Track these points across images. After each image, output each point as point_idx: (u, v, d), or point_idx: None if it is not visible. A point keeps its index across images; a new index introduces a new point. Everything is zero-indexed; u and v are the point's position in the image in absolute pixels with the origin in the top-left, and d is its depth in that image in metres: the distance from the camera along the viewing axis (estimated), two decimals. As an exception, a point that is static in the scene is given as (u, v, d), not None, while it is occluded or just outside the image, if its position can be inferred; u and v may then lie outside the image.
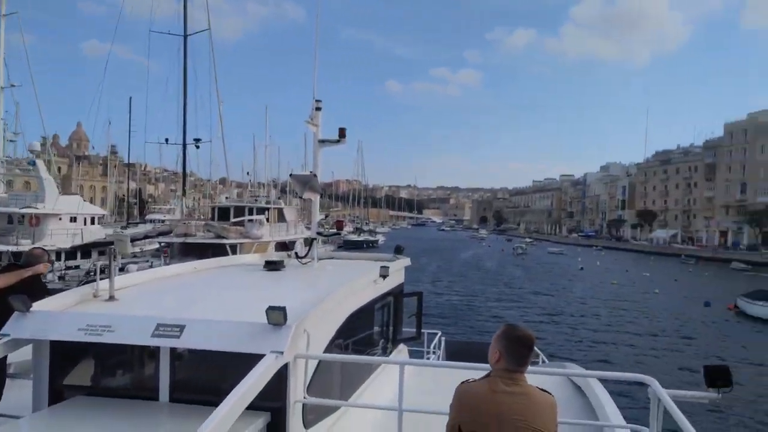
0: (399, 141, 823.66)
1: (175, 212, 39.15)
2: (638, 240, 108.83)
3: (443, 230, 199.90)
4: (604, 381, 5.30)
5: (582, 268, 60.20)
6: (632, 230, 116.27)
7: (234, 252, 25.10)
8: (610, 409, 4.55)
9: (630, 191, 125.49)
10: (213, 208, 37.34)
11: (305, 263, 6.47)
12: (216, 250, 25.35)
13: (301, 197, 7.16)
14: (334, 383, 4.35)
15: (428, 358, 8.87)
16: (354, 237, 78.81)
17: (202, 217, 38.65)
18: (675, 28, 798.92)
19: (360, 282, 5.13)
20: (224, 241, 28.80)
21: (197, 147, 40.23)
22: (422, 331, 8.12)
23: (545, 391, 2.64)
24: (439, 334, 9.86)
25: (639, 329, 27.61)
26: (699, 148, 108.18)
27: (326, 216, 68.72)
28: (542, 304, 35.62)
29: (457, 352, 9.44)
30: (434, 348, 9.29)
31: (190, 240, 29.26)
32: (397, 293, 6.68)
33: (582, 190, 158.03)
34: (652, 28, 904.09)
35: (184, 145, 39.15)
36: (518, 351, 2.60)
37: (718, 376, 3.52)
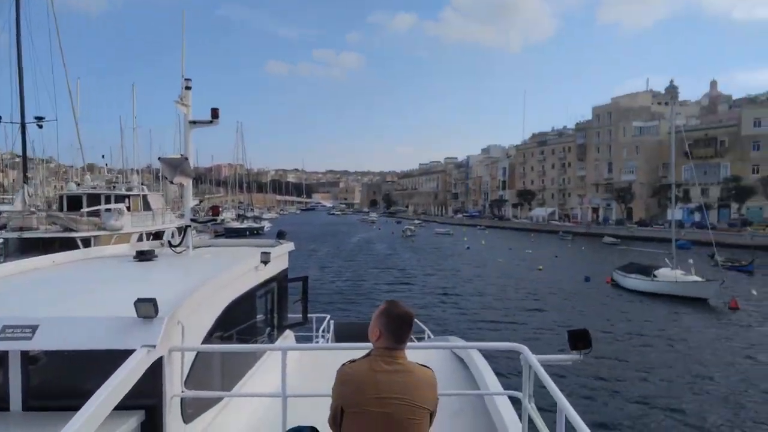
0: (285, 124, 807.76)
1: (16, 203, 33.34)
2: (519, 218, 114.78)
3: (333, 214, 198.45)
4: (487, 355, 5.53)
5: (468, 248, 61.49)
6: (513, 209, 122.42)
7: (87, 247, 21.33)
8: (489, 379, 4.84)
9: (510, 172, 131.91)
10: (61, 197, 32.21)
11: (180, 252, 6.25)
12: (64, 246, 21.35)
13: (171, 182, 6.18)
14: (215, 375, 4.28)
15: (317, 342, 8.84)
16: (236, 224, 74.57)
17: (41, 207, 33.10)
18: (545, 19, 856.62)
19: (239, 269, 5.02)
20: (74, 234, 24.59)
21: (40, 126, 34.49)
22: (309, 315, 8.15)
23: (425, 366, 2.68)
24: (328, 317, 9.90)
25: (525, 305, 27.75)
26: (572, 130, 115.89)
27: (200, 202, 63.93)
28: (432, 284, 35.27)
29: (346, 334, 9.42)
30: (323, 332, 9.32)
31: (27, 234, 24.70)
32: (281, 279, 6.63)
33: (465, 172, 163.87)
34: (526, 17, 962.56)
35: (23, 125, 33.27)
36: (398, 328, 2.61)
37: (579, 339, 3.72)
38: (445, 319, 24.10)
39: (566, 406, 2.72)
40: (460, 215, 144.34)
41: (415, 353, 2.64)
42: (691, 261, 31.18)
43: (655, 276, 31.03)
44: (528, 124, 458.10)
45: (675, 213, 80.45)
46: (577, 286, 34.30)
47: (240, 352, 4.85)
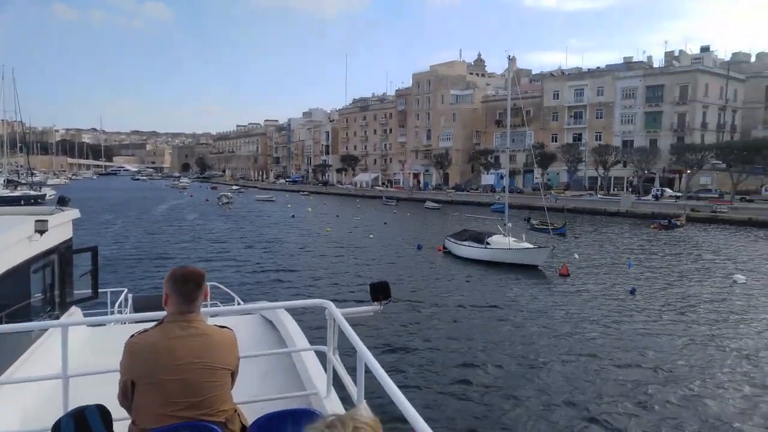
0: (78, 78, 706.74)
1: None
2: (343, 184, 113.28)
3: (139, 179, 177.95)
4: (300, 316, 5.96)
5: (293, 216, 57.22)
6: (337, 174, 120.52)
7: None
8: (297, 337, 4.99)
9: (333, 136, 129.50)
10: None
11: None
12: None
13: None
14: None
15: None
16: (6, 192, 60.31)
17: None
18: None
19: (6, 240, 4.54)
20: None
21: None
22: (103, 290, 7.76)
23: (224, 327, 2.70)
24: (125, 291, 9.33)
25: (358, 278, 24.50)
26: (393, 97, 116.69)
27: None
28: (254, 256, 30.60)
29: (146, 308, 7.84)
30: (119, 307, 8.71)
31: None
32: (63, 250, 6.00)
33: (287, 135, 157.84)
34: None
35: None
36: (185, 289, 2.58)
37: (380, 291, 3.96)
38: (270, 295, 20.54)
39: (365, 353, 2.75)
40: (282, 180, 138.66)
41: (222, 320, 2.80)
42: (509, 225, 31.05)
43: (488, 243, 30.05)
44: (350, 89, 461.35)
45: (487, 178, 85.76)
46: (410, 255, 32.30)
47: (10, 332, 4.11)
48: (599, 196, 64.02)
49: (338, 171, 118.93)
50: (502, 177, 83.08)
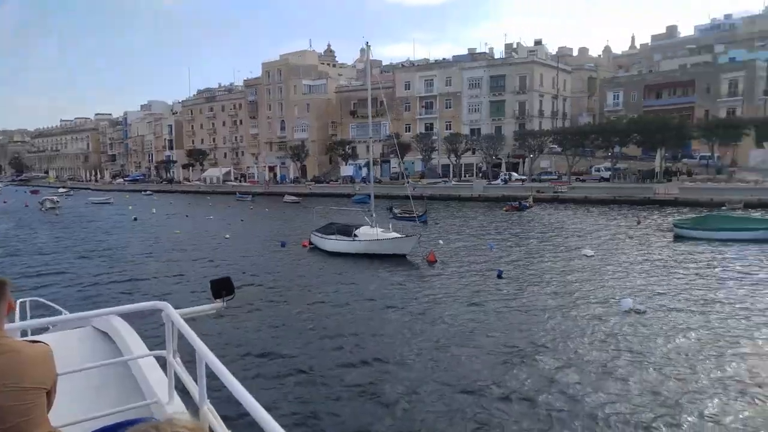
0: None
1: None
2: (191, 181, 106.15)
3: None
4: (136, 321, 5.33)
5: (136, 219, 51.76)
6: (184, 171, 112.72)
7: None
8: (134, 345, 4.69)
9: (177, 130, 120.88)
10: None
11: None
12: None
13: None
14: None
15: None
16: None
17: None
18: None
19: None
20: None
21: None
22: None
23: (37, 341, 2.55)
24: None
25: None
26: (242, 87, 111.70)
27: None
28: (90, 269, 26.57)
29: None
30: None
31: None
32: None
33: (124, 130, 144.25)
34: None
35: None
36: None
37: (222, 287, 3.86)
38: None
39: (205, 354, 2.71)
40: (120, 180, 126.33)
41: (46, 337, 2.45)
42: (374, 215, 30.80)
43: (356, 236, 29.30)
44: (194, 81, 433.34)
45: (346, 169, 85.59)
46: (273, 253, 30.50)
47: None
48: (453, 182, 66.94)
49: (184, 167, 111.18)
50: (360, 168, 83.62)
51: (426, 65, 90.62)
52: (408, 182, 69.07)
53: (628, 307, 17.12)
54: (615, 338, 14.63)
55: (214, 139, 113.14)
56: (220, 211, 57.35)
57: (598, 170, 62.07)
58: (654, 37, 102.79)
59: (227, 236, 36.63)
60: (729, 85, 67.46)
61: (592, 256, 26.05)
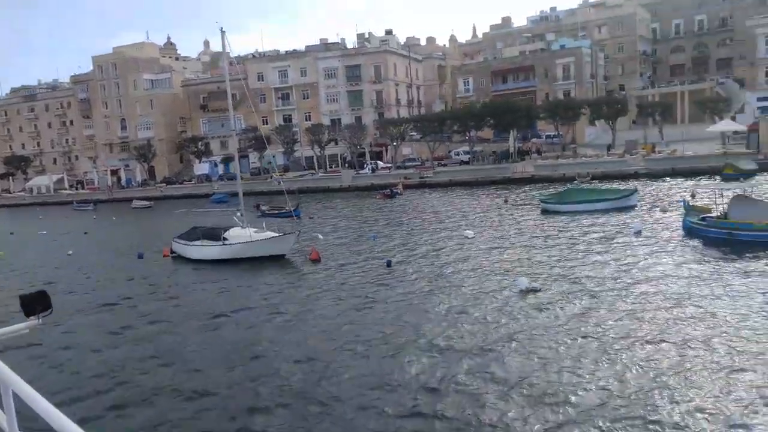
0: None
1: None
2: (13, 192, 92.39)
3: None
4: None
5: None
6: (1, 181, 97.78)
7: None
8: None
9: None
10: None
11: None
12: None
13: None
14: None
15: None
16: None
17: None
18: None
19: None
20: None
21: None
22: None
23: None
24: None
25: (63, 313, 18.83)
26: (69, 83, 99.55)
27: None
28: None
29: None
30: None
31: None
32: None
33: None
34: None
35: None
36: None
37: (36, 303, 3.53)
38: None
39: (12, 379, 2.61)
40: None
41: None
42: (240, 213, 28.69)
43: (225, 239, 26.67)
44: (6, 78, 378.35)
45: (200, 167, 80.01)
46: (129, 267, 26.84)
47: None
48: (320, 174, 65.49)
49: (3, 176, 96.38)
50: (216, 165, 78.75)
51: (278, 56, 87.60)
52: (273, 177, 66.61)
53: (524, 287, 17.12)
54: (512, 317, 14.79)
55: (38, 143, 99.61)
56: (55, 224, 50.14)
57: (458, 154, 64.52)
58: (492, 27, 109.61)
59: (70, 252, 31.69)
60: (562, 69, 73.90)
61: (473, 236, 26.28)
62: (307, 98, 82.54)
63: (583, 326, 13.64)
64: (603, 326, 13.57)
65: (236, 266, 24.97)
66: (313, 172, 68.51)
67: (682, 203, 23.52)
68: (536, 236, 25.48)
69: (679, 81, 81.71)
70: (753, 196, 22.28)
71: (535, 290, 16.88)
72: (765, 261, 17.97)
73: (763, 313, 13.47)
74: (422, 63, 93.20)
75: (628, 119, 64.47)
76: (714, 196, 24.09)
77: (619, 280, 17.35)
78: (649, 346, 12.12)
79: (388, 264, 22.06)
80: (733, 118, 52.97)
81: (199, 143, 78.22)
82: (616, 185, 38.27)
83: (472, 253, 23.19)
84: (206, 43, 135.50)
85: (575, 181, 42.94)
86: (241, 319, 17.00)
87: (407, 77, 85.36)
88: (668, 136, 55.91)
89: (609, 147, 54.41)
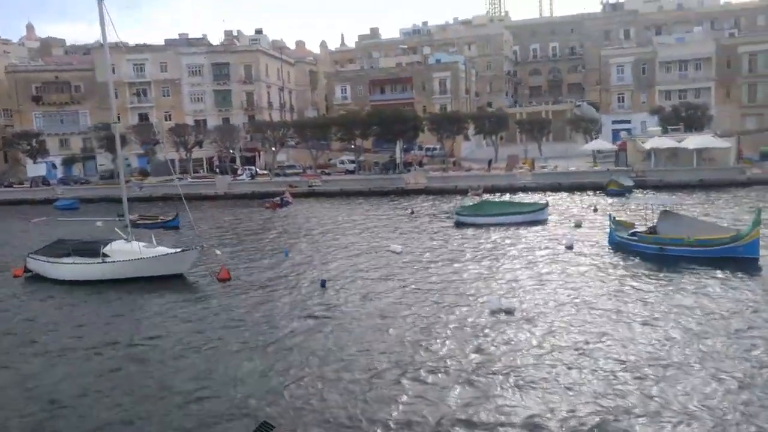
0: None
1: None
2: None
3: None
4: None
5: None
6: None
7: None
8: None
9: None
10: None
11: None
12: None
13: None
14: None
15: None
16: None
17: None
18: None
19: None
20: None
21: None
22: None
23: None
24: None
25: None
26: None
27: None
28: None
29: None
30: None
31: None
32: None
33: None
34: None
35: None
36: None
37: None
38: None
39: None
40: None
41: None
42: (100, 224, 26.19)
43: (105, 255, 21.97)
44: None
45: (34, 168, 68.85)
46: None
47: None
48: (189, 179, 59.44)
49: None
50: (55, 166, 68.53)
51: (134, 47, 78.95)
52: (130, 181, 59.20)
53: (496, 307, 15.77)
54: (494, 341, 13.66)
55: None
56: None
57: (343, 163, 62.68)
58: (361, 36, 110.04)
59: None
60: (439, 83, 75.87)
61: (401, 252, 24.58)
62: (168, 95, 75.44)
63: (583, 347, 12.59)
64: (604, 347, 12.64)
65: (118, 289, 20.69)
66: (181, 177, 62.32)
67: (608, 218, 24.03)
68: (463, 251, 24.48)
69: (536, 101, 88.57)
70: (676, 211, 23.37)
71: (509, 311, 15.61)
72: (697, 275, 18.54)
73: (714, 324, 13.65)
74: (294, 66, 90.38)
75: (506, 135, 67.93)
76: (640, 211, 24.98)
77: (562, 298, 16.96)
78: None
79: (323, 284, 19.50)
80: (594, 138, 57.95)
81: (34, 140, 67.29)
82: (518, 198, 39.09)
83: (408, 269, 21.49)
84: (30, 27, 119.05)
85: (468, 194, 43.37)
86: (144, 353, 13.66)
87: (279, 80, 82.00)
88: (544, 153, 59.55)
89: (490, 161, 56.35)
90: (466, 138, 69.89)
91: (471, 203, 34.97)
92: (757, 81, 61.80)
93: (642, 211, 29.45)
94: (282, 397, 11.31)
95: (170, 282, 21.35)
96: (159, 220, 36.21)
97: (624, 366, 11.91)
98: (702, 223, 22.20)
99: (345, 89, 79.78)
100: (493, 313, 15.56)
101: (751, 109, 61.80)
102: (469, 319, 15.27)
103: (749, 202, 32.92)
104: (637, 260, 20.91)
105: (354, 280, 20.27)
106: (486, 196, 40.88)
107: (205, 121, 73.58)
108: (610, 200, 37.49)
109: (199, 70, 75.46)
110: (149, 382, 12.42)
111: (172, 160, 69.54)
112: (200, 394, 11.62)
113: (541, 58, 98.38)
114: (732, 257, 19.56)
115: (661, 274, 18.95)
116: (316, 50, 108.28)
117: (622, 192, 38.47)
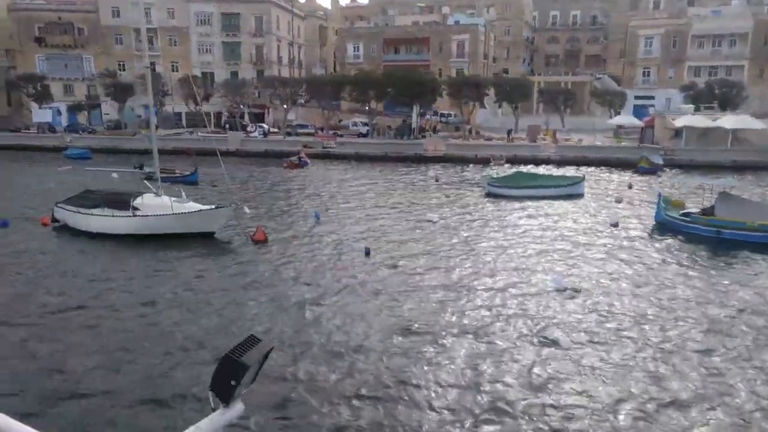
0: None
1: None
2: None
3: None
4: None
5: None
6: None
7: None
8: None
9: None
10: None
11: None
12: None
13: None
14: None
15: None
16: None
17: None
18: None
19: None
20: None
21: None
22: None
23: None
24: None
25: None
26: None
27: None
28: None
29: None
30: None
31: None
32: None
33: None
34: None
35: None
36: None
37: None
38: None
39: None
40: None
41: None
42: (115, 176, 24.13)
43: (135, 208, 21.26)
44: None
45: (40, 114, 67.27)
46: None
47: None
48: (200, 134, 58.07)
49: None
50: (60, 113, 66.91)
51: (140, -11, 76.32)
52: (139, 133, 57.95)
53: (560, 286, 15.29)
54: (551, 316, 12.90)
55: None
56: None
57: (356, 125, 61.40)
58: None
59: None
60: (457, 46, 73.99)
61: (437, 221, 23.99)
62: (176, 45, 73.34)
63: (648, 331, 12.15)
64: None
65: (146, 245, 20.07)
66: (191, 131, 60.98)
67: (657, 195, 23.39)
68: (503, 224, 23.91)
69: (553, 72, 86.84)
70: (736, 193, 22.69)
71: (575, 290, 15.14)
72: (761, 262, 18.07)
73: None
74: (305, 20, 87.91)
75: (522, 105, 66.54)
76: (701, 192, 24.27)
77: (622, 279, 16.45)
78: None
79: (367, 252, 18.92)
80: (618, 113, 56.93)
81: (39, 84, 65.41)
82: (543, 171, 38.34)
83: (449, 242, 20.87)
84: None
85: (490, 163, 42.62)
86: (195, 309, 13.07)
87: (289, 34, 79.78)
88: (567, 125, 58.42)
89: (510, 131, 55.27)
90: (482, 105, 68.57)
91: (502, 174, 34.21)
92: (792, 61, 60.51)
93: (680, 189, 28.86)
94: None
95: (202, 241, 20.74)
96: (177, 174, 35.30)
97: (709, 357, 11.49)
98: (766, 207, 21.60)
99: (357, 47, 77.72)
100: (558, 291, 15.08)
101: (784, 90, 60.76)
102: (535, 298, 14.77)
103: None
104: (692, 242, 20.36)
105: (397, 249, 19.70)
106: (507, 167, 40.21)
107: (212, 74, 71.85)
108: (639, 178, 36.85)
109: (208, 19, 73.20)
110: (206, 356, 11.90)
111: (178, 114, 68.29)
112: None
113: (560, 26, 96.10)
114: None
115: (722, 259, 18.48)
116: (327, 4, 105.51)
117: (653, 170, 37.79)
